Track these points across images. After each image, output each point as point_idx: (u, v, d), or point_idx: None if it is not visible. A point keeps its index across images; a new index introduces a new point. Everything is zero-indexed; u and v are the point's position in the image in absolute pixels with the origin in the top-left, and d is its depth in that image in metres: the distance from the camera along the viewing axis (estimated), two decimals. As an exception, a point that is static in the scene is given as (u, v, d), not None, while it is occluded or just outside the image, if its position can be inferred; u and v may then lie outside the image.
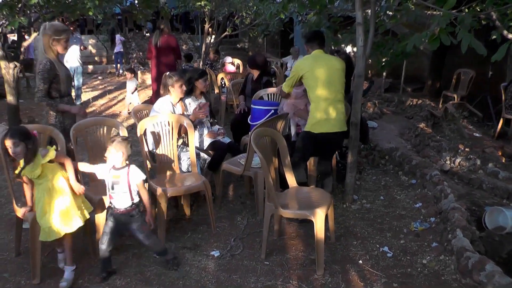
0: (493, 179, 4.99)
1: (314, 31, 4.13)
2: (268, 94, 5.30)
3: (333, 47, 10.96)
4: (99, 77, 11.81)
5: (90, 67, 12.16)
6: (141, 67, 11.17)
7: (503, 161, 5.90)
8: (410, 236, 3.64)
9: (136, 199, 3.00)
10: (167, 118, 3.85)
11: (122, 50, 12.35)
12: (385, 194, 4.55)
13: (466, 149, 5.68)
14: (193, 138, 3.87)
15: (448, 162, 5.53)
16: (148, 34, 13.50)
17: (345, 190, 4.31)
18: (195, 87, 4.62)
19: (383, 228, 3.80)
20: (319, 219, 3.00)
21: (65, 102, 3.67)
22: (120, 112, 8.09)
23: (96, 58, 13.45)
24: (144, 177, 2.98)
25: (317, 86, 3.75)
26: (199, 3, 6.93)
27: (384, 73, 10.20)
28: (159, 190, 3.42)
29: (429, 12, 4.20)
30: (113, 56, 12.81)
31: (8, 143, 2.79)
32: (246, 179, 4.47)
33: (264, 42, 12.57)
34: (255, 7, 7.37)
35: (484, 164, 5.36)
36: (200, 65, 7.72)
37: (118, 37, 12.25)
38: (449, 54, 9.45)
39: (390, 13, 4.51)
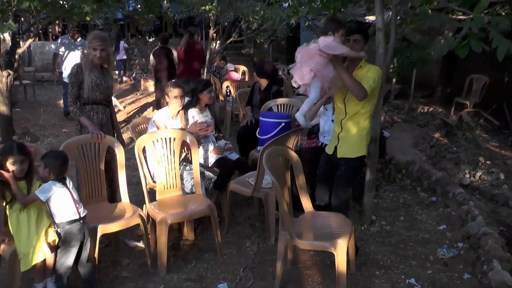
0: (520, 195, 4.65)
1: None
2: (277, 105, 4.96)
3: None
4: (100, 85, 11.52)
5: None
6: (144, 74, 10.84)
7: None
8: (437, 265, 3.29)
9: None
10: (169, 134, 3.52)
11: (125, 57, 12.07)
12: (405, 214, 4.20)
13: (487, 162, 5.33)
14: (197, 155, 3.53)
15: (467, 175, 5.19)
16: (151, 40, 13.18)
17: (363, 210, 3.96)
18: (199, 99, 4.30)
19: (407, 255, 3.44)
20: (340, 251, 2.65)
21: (87, 110, 3.54)
22: (122, 121, 7.77)
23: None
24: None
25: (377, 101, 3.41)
26: (204, 8, 6.63)
27: (394, 80, 9.84)
28: (159, 216, 3.08)
29: (452, 16, 3.85)
30: (115, 63, 12.56)
31: (13, 160, 2.58)
32: (256, 199, 4.12)
33: (270, 48, 12.25)
34: (262, 12, 7.06)
35: (508, 178, 5.01)
36: (205, 73, 7.39)
37: (122, 44, 11.97)
38: (460, 59, 9.10)
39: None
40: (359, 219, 3.94)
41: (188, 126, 3.99)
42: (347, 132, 3.25)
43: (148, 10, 7.15)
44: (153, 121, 3.80)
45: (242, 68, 9.10)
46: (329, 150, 3.31)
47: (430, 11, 4.25)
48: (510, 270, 2.94)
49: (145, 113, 8.35)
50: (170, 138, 3.50)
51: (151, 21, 8.37)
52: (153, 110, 7.86)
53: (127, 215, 3.12)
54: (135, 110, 8.65)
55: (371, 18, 8.02)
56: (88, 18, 5.31)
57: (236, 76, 8.41)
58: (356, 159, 3.25)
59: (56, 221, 2.66)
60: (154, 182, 3.68)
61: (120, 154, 3.28)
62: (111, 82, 3.73)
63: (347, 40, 3.16)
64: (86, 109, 3.52)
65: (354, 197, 4.33)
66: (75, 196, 2.73)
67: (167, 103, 3.93)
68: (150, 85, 10.10)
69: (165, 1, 7.68)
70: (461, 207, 4.02)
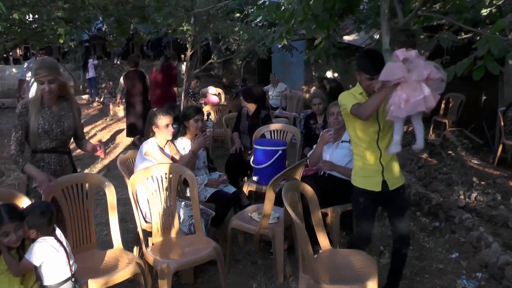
0: (518, 215, 4.56)
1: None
2: (270, 131, 4.70)
3: (326, 76, 10.62)
4: (67, 111, 10.88)
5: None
6: (112, 99, 10.35)
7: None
8: (461, 300, 3.09)
9: None
10: (165, 169, 3.17)
11: (95, 75, 11.56)
12: (412, 242, 3.98)
13: (482, 182, 5.24)
14: (197, 192, 3.20)
15: (462, 197, 5.07)
16: (118, 62, 12.70)
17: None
18: (186, 127, 3.99)
19: (427, 289, 3.23)
20: (372, 296, 2.39)
21: (36, 160, 2.87)
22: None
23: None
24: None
25: None
26: (181, 28, 6.34)
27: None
28: (160, 264, 2.72)
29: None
30: (85, 84, 12.02)
31: (6, 230, 2.18)
32: (256, 234, 3.81)
33: (241, 69, 12.06)
34: (241, 32, 6.85)
35: (505, 198, 4.93)
36: (182, 96, 7.06)
37: (91, 61, 11.43)
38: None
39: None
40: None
41: (193, 143, 3.71)
42: (391, 163, 2.80)
43: (120, 31, 6.78)
44: (145, 153, 3.45)
45: (218, 90, 8.84)
46: (375, 187, 2.79)
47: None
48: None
49: (117, 141, 7.90)
50: (166, 174, 3.16)
51: (122, 43, 8.00)
52: (127, 136, 7.43)
53: (121, 264, 2.73)
54: (108, 138, 8.17)
55: (348, 38, 8.00)
56: (61, 41, 4.90)
57: (216, 99, 8.12)
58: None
59: (45, 284, 2.25)
60: (146, 222, 3.32)
61: (111, 194, 2.90)
62: (72, 122, 2.95)
63: (368, 79, 2.67)
64: (35, 158, 2.90)
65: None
66: (69, 249, 2.35)
67: (154, 133, 3.60)
68: (120, 109, 9.63)
69: (134, 22, 7.32)
70: (470, 233, 3.86)
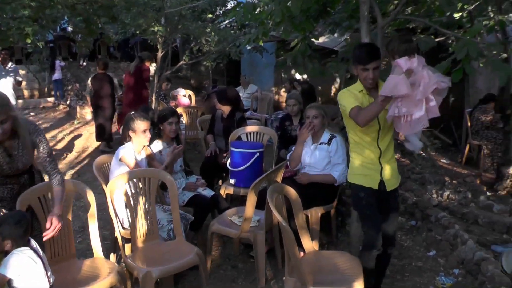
0: (487, 212, 4.69)
1: None
2: (246, 134, 4.66)
3: (296, 77, 10.64)
4: (32, 113, 10.43)
5: (20, 102, 10.72)
6: (80, 101, 10.03)
7: (485, 189, 5.70)
8: (441, 297, 3.14)
9: None
10: (144, 174, 3.08)
11: (61, 77, 11.17)
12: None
13: (454, 182, 5.38)
14: (177, 197, 3.12)
15: (435, 195, 5.19)
16: (85, 64, 12.36)
17: (351, 241, 3.74)
18: (161, 130, 3.90)
19: (407, 287, 3.25)
20: (359, 298, 2.38)
21: None
22: (65, 154, 7.01)
23: (26, 92, 12.00)
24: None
25: None
26: (152, 29, 6.21)
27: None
28: (143, 272, 2.63)
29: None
30: (50, 86, 11.58)
31: None
32: (235, 238, 3.76)
33: (209, 70, 11.95)
34: (212, 33, 6.77)
35: (475, 196, 5.07)
36: (153, 99, 6.92)
37: (58, 62, 11.02)
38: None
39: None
40: (348, 252, 3.71)
41: (168, 157, 3.57)
42: (390, 164, 2.76)
43: (89, 31, 6.58)
44: (120, 158, 3.33)
45: (188, 92, 8.72)
46: (374, 185, 2.74)
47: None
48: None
49: (85, 145, 7.66)
50: (145, 179, 3.06)
51: (90, 43, 7.76)
52: (97, 140, 7.21)
53: (102, 274, 2.62)
54: (76, 142, 7.91)
55: (319, 40, 8.05)
56: (29, 40, 4.69)
57: (187, 101, 7.99)
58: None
59: None
60: (124, 229, 3.21)
61: (90, 201, 2.78)
62: (27, 159, 2.57)
63: (364, 69, 2.58)
64: None
65: (337, 227, 4.12)
66: (45, 260, 2.22)
67: (130, 138, 3.48)
68: (87, 112, 9.35)
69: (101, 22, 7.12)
70: (446, 230, 3.94)
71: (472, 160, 7.15)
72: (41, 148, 2.54)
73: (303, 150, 3.76)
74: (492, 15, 4.82)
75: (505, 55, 4.11)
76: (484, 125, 6.54)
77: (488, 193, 5.22)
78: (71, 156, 7.01)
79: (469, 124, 6.87)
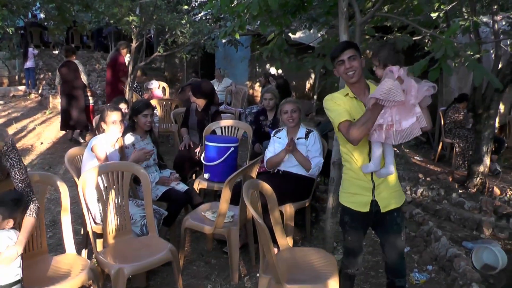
0: (459, 209, 4.78)
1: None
2: (221, 128, 4.60)
3: (271, 72, 10.59)
4: (1, 102, 10.11)
5: (-13, 89, 10.40)
6: (52, 90, 9.73)
7: (457, 186, 5.80)
8: (414, 293, 3.18)
9: None
10: (117, 167, 2.99)
11: (34, 65, 10.83)
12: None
13: (427, 179, 5.46)
14: (150, 192, 3.05)
15: (409, 192, 5.26)
16: (57, 52, 11.99)
17: (325, 237, 3.76)
18: (135, 122, 3.81)
19: (381, 283, 3.27)
20: (334, 294, 2.37)
21: None
22: (32, 145, 6.80)
23: (-5, 80, 11.63)
24: None
25: None
26: (127, 19, 6.05)
27: (315, 96, 10.01)
28: (114, 269, 2.55)
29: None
30: (22, 74, 11.22)
31: None
32: (209, 233, 3.70)
33: (184, 63, 11.79)
34: (188, 25, 6.65)
35: (448, 193, 5.15)
36: (127, 90, 6.77)
37: (30, 50, 10.67)
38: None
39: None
40: (323, 247, 3.71)
41: (132, 154, 3.48)
42: (386, 181, 2.41)
43: (62, 18, 6.37)
44: (92, 147, 3.24)
45: (162, 84, 8.59)
46: (362, 208, 2.41)
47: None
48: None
49: (57, 135, 7.46)
50: (118, 172, 2.98)
51: (63, 31, 7.52)
52: (61, 130, 7.03)
53: (75, 272, 2.53)
54: (47, 132, 7.69)
55: (294, 36, 8.04)
56: (-3, 27, 4.50)
57: (161, 93, 7.86)
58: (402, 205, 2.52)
59: None
60: (96, 224, 3.12)
61: (64, 194, 2.68)
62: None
63: (340, 63, 2.35)
64: None
65: (312, 222, 4.12)
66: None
67: (103, 130, 3.39)
68: (60, 102, 9.09)
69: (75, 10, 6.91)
70: (420, 227, 3.99)
71: (444, 157, 7.27)
72: (13, 173, 2.35)
73: (285, 156, 3.72)
74: (466, 16, 4.90)
75: (478, 55, 4.17)
76: (457, 124, 6.67)
77: (460, 191, 5.31)
78: (42, 147, 6.82)
79: (442, 122, 6.98)
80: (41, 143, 7.01)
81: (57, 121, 8.23)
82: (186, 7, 7.66)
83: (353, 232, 2.49)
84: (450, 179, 6.11)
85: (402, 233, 2.47)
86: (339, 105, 2.33)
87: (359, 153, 2.36)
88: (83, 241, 3.44)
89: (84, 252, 3.29)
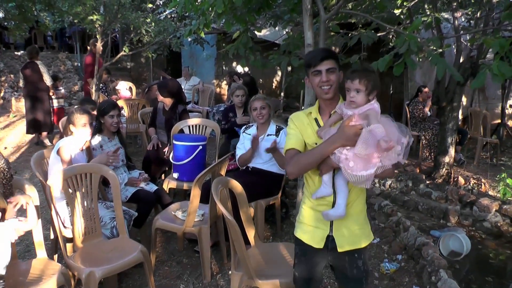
0: (426, 199, 4.92)
1: None
2: (189, 126, 4.57)
3: (237, 70, 10.55)
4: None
5: None
6: (15, 93, 9.44)
7: (424, 177, 5.95)
8: (385, 281, 3.27)
9: None
10: (86, 169, 2.94)
11: None
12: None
13: (395, 171, 5.57)
14: (119, 193, 3.00)
15: (377, 184, 5.37)
16: (19, 53, 11.61)
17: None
18: (102, 123, 3.75)
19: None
20: None
21: None
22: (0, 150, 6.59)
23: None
24: None
25: None
26: (91, 18, 5.92)
27: (282, 93, 10.06)
28: (85, 272, 2.51)
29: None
30: None
31: None
32: (179, 233, 3.68)
33: (150, 62, 11.65)
34: (153, 24, 6.56)
35: (415, 185, 5.28)
36: (93, 91, 6.64)
37: None
38: (344, 70, 9.63)
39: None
40: (290, 240, 3.75)
41: (97, 157, 3.42)
42: (349, 216, 2.00)
43: (23, 18, 6.18)
44: (58, 150, 3.16)
45: (129, 84, 8.46)
46: (315, 243, 2.02)
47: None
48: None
49: (22, 139, 7.25)
50: (87, 175, 2.92)
51: (25, 31, 7.31)
52: (27, 133, 6.85)
53: (46, 276, 2.47)
54: (11, 136, 7.46)
55: (260, 33, 8.08)
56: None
57: (128, 94, 7.74)
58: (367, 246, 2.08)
59: None
60: (65, 228, 3.06)
61: (34, 198, 2.61)
62: None
63: (315, 73, 1.96)
64: None
65: (282, 218, 4.15)
66: None
67: (71, 132, 3.32)
68: (22, 106, 8.83)
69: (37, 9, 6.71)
70: (389, 218, 4.07)
71: (412, 150, 7.42)
72: None
73: (253, 152, 3.75)
74: (428, 13, 5.04)
75: (440, 50, 4.29)
76: (420, 118, 6.85)
77: (427, 181, 5.45)
78: (6, 152, 6.61)
79: (408, 115, 7.15)
80: (5, 148, 6.81)
81: (21, 124, 7.99)
82: (150, 5, 7.56)
83: (302, 267, 2.11)
84: (418, 171, 6.26)
85: (365, 280, 2.05)
86: (294, 129, 2.03)
87: (319, 177, 1.96)
88: (52, 246, 3.37)
89: (55, 257, 3.22)
